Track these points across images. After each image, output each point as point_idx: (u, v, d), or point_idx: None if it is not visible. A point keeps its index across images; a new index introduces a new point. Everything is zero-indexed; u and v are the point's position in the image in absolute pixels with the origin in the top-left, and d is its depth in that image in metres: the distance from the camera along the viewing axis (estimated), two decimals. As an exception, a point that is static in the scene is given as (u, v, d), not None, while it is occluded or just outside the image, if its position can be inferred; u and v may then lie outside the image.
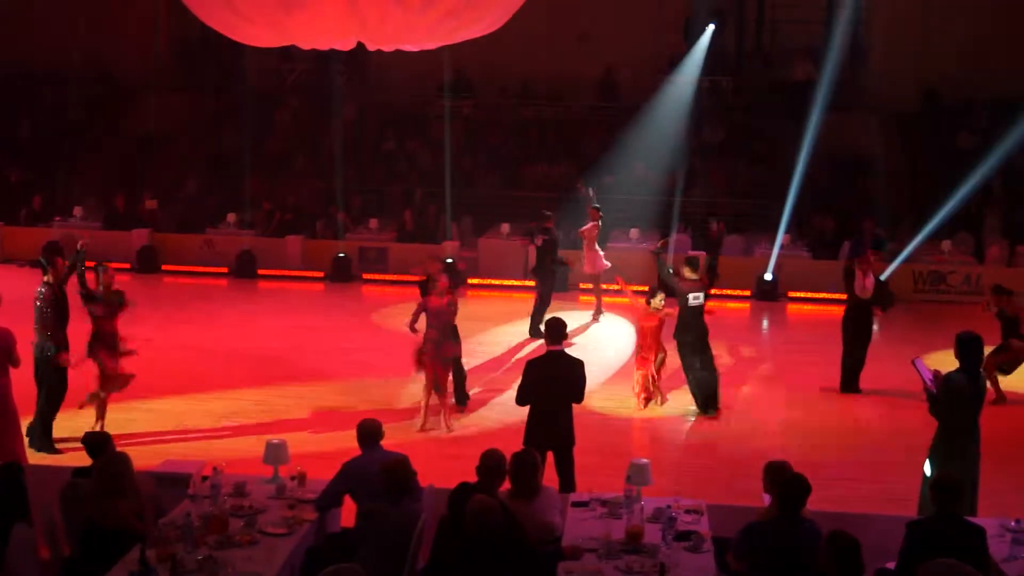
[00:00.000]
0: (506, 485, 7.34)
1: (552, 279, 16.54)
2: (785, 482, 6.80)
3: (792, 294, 19.82)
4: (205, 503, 7.59)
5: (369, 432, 7.96)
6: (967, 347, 8.57)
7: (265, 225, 21.97)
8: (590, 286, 17.81)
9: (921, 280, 19.90)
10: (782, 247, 20.30)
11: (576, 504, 7.99)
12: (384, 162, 24.92)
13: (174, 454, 10.53)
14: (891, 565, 7.19)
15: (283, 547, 7.07)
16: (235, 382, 13.45)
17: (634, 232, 21.20)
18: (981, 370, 12.69)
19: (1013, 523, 7.54)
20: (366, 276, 20.69)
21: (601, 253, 17.42)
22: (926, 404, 8.79)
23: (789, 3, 26.25)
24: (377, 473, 7.23)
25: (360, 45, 11.24)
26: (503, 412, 12.26)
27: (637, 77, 24.54)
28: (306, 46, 11.56)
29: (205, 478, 8.18)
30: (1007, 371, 13.38)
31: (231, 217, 21.78)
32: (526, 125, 25.67)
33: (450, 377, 11.99)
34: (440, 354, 11.63)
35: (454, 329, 11.93)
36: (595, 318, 17.25)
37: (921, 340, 16.23)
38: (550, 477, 8.78)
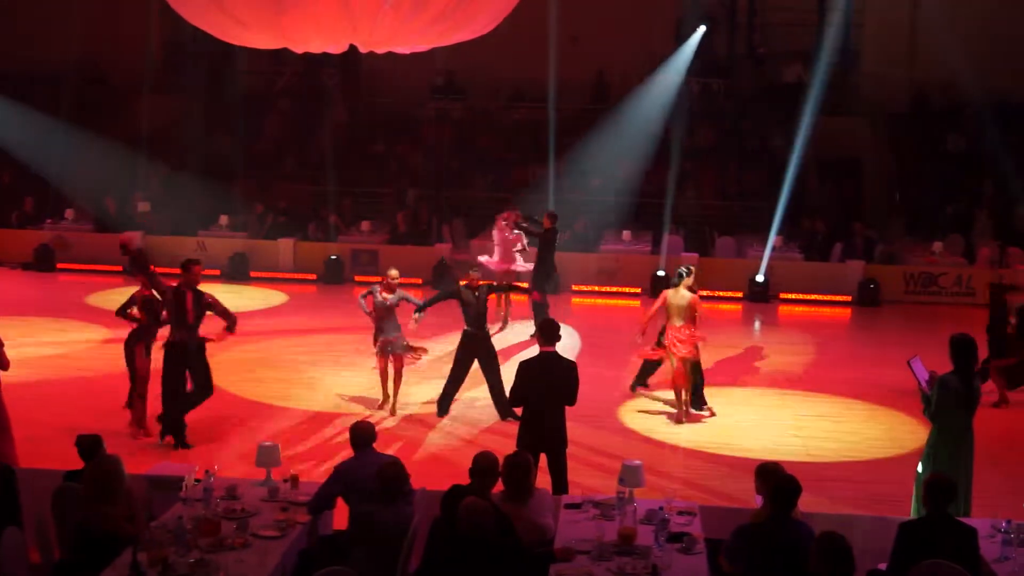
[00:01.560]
0: (499, 487, 7.34)
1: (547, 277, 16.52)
2: (776, 483, 6.80)
3: (784, 295, 19.87)
4: (197, 506, 7.57)
5: (362, 434, 7.95)
6: (960, 349, 8.58)
7: (257, 227, 21.96)
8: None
9: (912, 281, 19.97)
10: (774, 249, 20.38)
11: (569, 506, 8.00)
12: (375, 164, 24.94)
13: (168, 457, 10.52)
14: (883, 566, 7.21)
15: (275, 550, 7.06)
16: (226, 384, 13.41)
17: (626, 234, 21.27)
18: (988, 368, 12.90)
19: (1004, 524, 7.55)
20: (358, 278, 20.68)
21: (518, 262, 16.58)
22: (920, 405, 8.82)
23: (780, 6, 26.33)
24: (370, 475, 7.23)
25: (352, 48, 11.24)
26: (495, 414, 12.25)
27: (628, 79, 24.60)
28: (299, 49, 11.55)
29: (197, 481, 8.16)
30: (1016, 381, 13.41)
31: (223, 219, 21.78)
32: (517, 127, 25.71)
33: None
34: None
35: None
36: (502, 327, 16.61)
37: (913, 341, 16.27)
38: (543, 479, 8.78)
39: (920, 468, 8.74)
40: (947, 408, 8.53)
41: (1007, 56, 23.38)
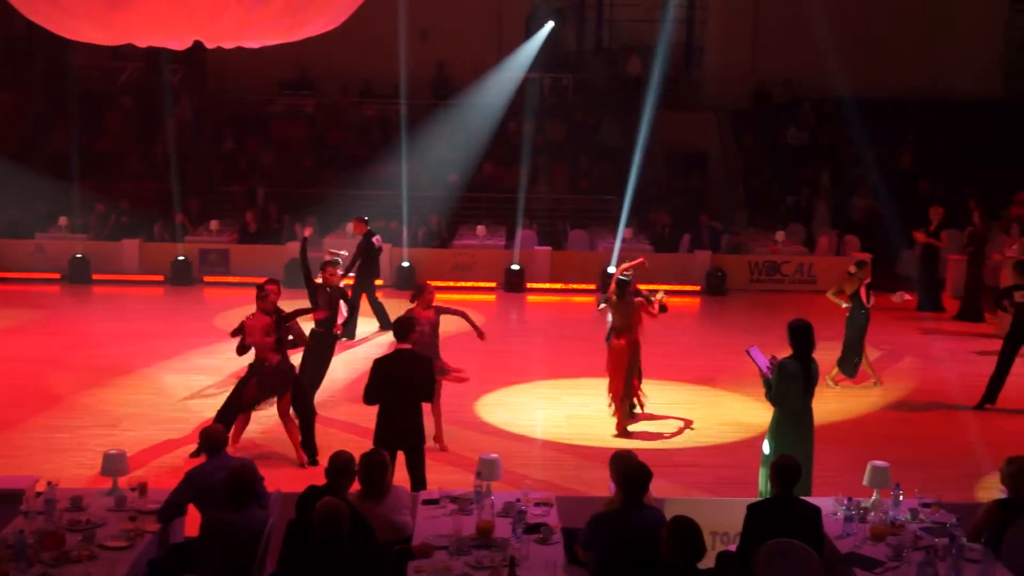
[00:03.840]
0: (356, 486, 7.28)
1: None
2: (628, 470, 6.92)
3: (636, 286, 20.19)
4: (39, 519, 7.31)
5: (213, 439, 7.80)
6: (798, 334, 8.90)
7: (99, 228, 21.26)
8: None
9: (757, 270, 20.57)
10: (624, 241, 20.72)
11: (426, 502, 8.00)
12: (224, 162, 24.44)
13: (5, 469, 10.10)
14: (733, 547, 7.41)
15: (123, 560, 6.88)
16: (70, 393, 12.98)
17: (480, 229, 21.35)
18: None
19: (846, 501, 7.86)
20: (207, 279, 20.24)
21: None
22: (763, 390, 9.10)
23: (628, 2, 26.80)
24: (221, 480, 7.09)
25: (197, 43, 10.95)
26: (351, 413, 12.15)
27: (479, 74, 24.72)
28: (141, 44, 11.20)
29: (39, 494, 7.87)
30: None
31: (63, 221, 21.00)
32: (369, 123, 25.55)
33: None
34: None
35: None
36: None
37: (758, 328, 16.78)
38: (401, 476, 8.75)
39: (765, 450, 9.03)
40: (787, 391, 8.84)
41: (840, 52, 24.31)
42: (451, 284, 20.15)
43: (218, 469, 7.40)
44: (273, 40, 11.54)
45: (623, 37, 27.51)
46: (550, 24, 24.84)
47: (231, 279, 20.11)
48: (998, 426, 12.48)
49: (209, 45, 11.03)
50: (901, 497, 8.01)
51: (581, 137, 25.18)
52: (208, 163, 24.31)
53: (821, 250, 21.39)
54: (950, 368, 14.99)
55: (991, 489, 9.71)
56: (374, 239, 16.41)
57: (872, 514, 7.79)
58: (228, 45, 11.18)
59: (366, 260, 16.19)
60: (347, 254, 15.54)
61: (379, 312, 16.27)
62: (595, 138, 25.09)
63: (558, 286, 19.98)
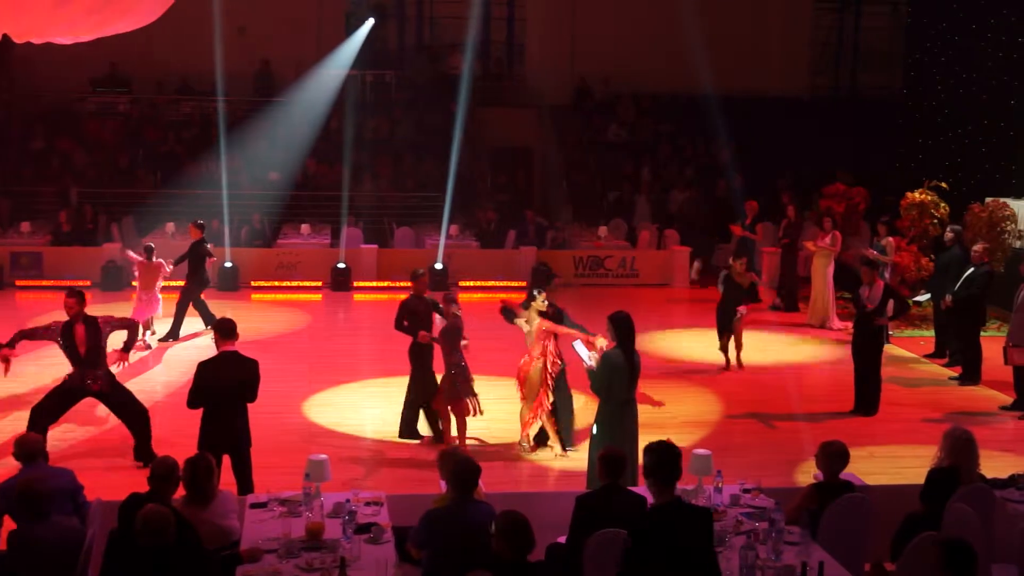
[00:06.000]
0: (180, 492, 7.11)
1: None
2: (457, 466, 6.96)
3: (463, 283, 20.35)
4: None
5: (28, 448, 7.49)
6: (620, 325, 9.13)
7: (-102, 232, 20.15)
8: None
9: (581, 265, 20.98)
10: (450, 238, 20.82)
11: (254, 505, 7.86)
12: (34, 162, 23.46)
13: None
14: (563, 539, 7.52)
15: (-68, 581, 6.54)
16: None
17: (305, 227, 21.12)
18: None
19: (669, 489, 8.07)
20: (20, 283, 19.41)
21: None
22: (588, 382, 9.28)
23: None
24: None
25: (5, 37, 10.48)
26: (175, 416, 11.82)
27: (299, 71, 24.44)
28: (-58, 39, 10.65)
29: None
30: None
31: None
32: (186, 121, 24.93)
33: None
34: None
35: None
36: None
37: (582, 321, 17.08)
38: (227, 480, 8.58)
39: (592, 442, 9.21)
40: (612, 382, 9.04)
41: (654, 50, 25.02)
42: (276, 284, 19.90)
43: (34, 480, 7.10)
44: (84, 36, 11.16)
45: (445, 34, 27.60)
46: (371, 21, 24.74)
47: (45, 283, 19.34)
48: (814, 413, 13.03)
49: (17, 40, 10.57)
50: (722, 484, 8.23)
51: (405, 134, 25.15)
52: (17, 163, 23.31)
53: (643, 244, 21.96)
54: (767, 357, 15.61)
55: (808, 474, 10.16)
56: (209, 252, 16.12)
57: (695, 501, 8.01)
58: (37, 41, 10.75)
59: (196, 265, 15.86)
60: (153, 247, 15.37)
61: (203, 312, 15.96)
62: (417, 135, 25.10)
63: (385, 284, 19.92)
